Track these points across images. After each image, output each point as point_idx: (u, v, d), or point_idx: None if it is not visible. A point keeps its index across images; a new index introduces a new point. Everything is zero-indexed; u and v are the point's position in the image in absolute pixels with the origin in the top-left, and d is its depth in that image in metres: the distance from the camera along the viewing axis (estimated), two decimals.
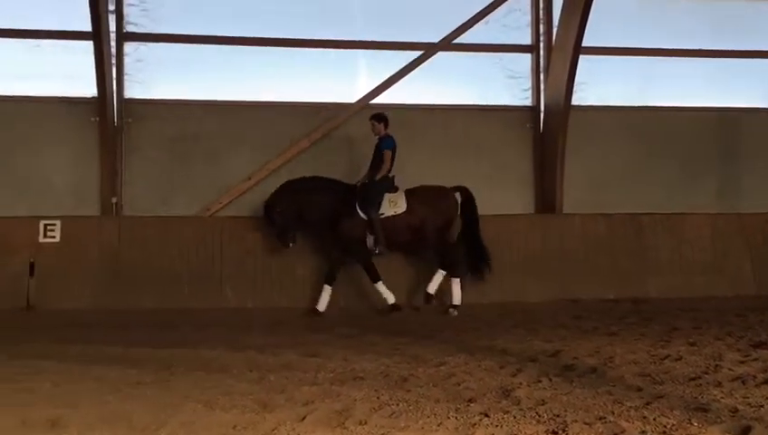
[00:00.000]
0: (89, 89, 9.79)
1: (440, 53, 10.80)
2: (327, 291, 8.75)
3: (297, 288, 9.39)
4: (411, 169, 10.53)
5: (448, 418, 3.86)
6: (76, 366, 5.20)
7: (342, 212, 8.82)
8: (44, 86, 9.94)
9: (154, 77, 10.27)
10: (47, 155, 9.94)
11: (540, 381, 4.69)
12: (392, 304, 8.81)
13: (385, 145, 8.90)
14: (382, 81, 10.65)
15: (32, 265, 9.02)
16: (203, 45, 10.38)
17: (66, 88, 10.00)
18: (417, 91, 10.81)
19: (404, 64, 10.68)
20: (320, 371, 5.07)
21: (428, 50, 10.73)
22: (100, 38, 9.38)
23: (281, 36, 10.52)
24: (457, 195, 9.15)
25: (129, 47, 10.21)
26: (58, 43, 9.97)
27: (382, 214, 8.78)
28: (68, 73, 9.89)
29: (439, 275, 8.82)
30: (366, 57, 10.99)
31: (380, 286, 8.89)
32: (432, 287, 8.82)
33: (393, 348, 6.05)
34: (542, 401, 4.18)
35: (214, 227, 9.66)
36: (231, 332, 7.08)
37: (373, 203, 8.76)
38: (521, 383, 4.63)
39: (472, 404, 4.12)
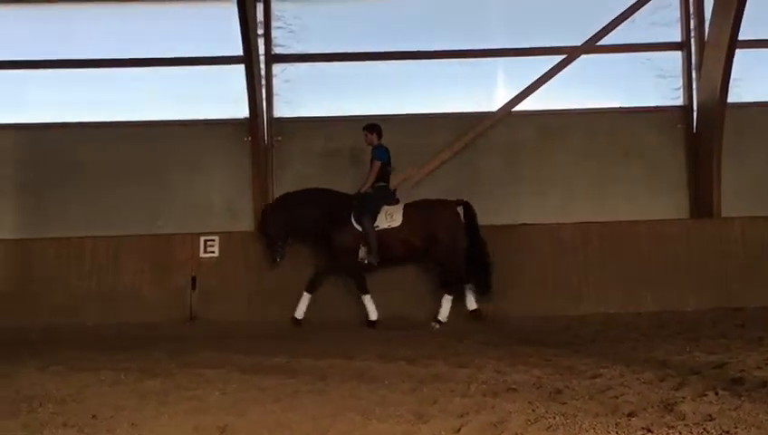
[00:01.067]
0: (241, 110, 10.31)
1: (583, 56, 10.55)
2: (305, 299, 8.83)
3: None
4: (558, 176, 10.35)
5: (608, 433, 3.74)
6: (239, 375, 5.47)
7: (335, 223, 8.78)
8: (201, 109, 10.58)
9: (301, 95, 10.68)
10: (204, 174, 10.53)
11: (705, 395, 4.45)
12: (371, 321, 8.75)
13: (375, 155, 8.88)
14: (523, 88, 10.53)
15: (193, 279, 9.57)
16: (346, 62, 10.69)
17: (220, 110, 10.58)
18: (559, 95, 10.62)
19: (543, 70, 10.51)
20: (471, 382, 5.06)
21: (571, 53, 10.50)
22: (251, 61, 9.85)
23: (421, 49, 10.66)
24: (460, 209, 8.90)
25: (277, 68, 10.66)
26: (212, 69, 10.58)
27: (377, 226, 8.66)
28: (222, 96, 10.49)
29: (468, 292, 8.79)
30: (504, 65, 10.90)
31: (367, 300, 8.84)
32: (469, 304, 8.78)
33: (544, 359, 5.94)
34: (710, 416, 3.97)
35: None
36: (382, 343, 7.20)
37: (368, 214, 8.67)
38: (684, 397, 4.41)
39: (632, 419, 3.97)
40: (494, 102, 10.74)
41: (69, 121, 10.65)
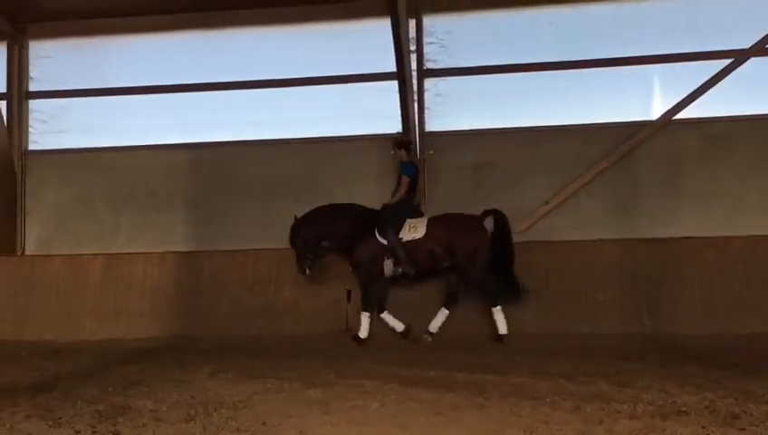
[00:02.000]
0: (394, 125, 10.50)
1: (752, 59, 9.94)
2: (365, 318, 8.69)
3: (599, 312, 9.11)
4: (723, 187, 9.82)
5: None
6: (397, 387, 5.53)
7: (358, 236, 8.73)
8: (355, 125, 10.91)
9: (452, 109, 10.74)
10: (361, 188, 10.65)
11: None
12: (358, 337, 8.62)
13: (403, 170, 8.91)
14: (683, 95, 10.09)
15: (348, 292, 9.79)
16: (498, 75, 10.64)
17: (374, 125, 10.83)
18: (725, 101, 10.05)
19: (703, 75, 10.01)
20: (637, 402, 4.85)
21: (739, 57, 9.91)
22: (404, 77, 10.03)
23: (571, 59, 10.46)
24: (490, 219, 8.67)
25: (428, 83, 10.80)
26: (366, 86, 10.86)
27: (401, 238, 8.59)
28: (375, 112, 10.74)
29: (498, 313, 8.48)
30: (661, 72, 10.47)
31: (364, 317, 8.70)
32: (501, 327, 8.46)
33: (714, 381, 5.60)
34: None
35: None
36: (535, 358, 7.07)
37: (392, 227, 8.63)
38: None
39: None
40: (650, 111, 10.38)
41: (233, 140, 11.31)
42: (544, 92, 10.60)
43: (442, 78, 10.77)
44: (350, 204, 9.23)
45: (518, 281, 8.62)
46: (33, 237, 11.51)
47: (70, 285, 10.15)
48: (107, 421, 4.46)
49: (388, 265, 8.67)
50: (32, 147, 11.62)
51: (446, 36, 10.76)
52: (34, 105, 11.72)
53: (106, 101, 11.65)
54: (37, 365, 7.24)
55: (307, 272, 9.01)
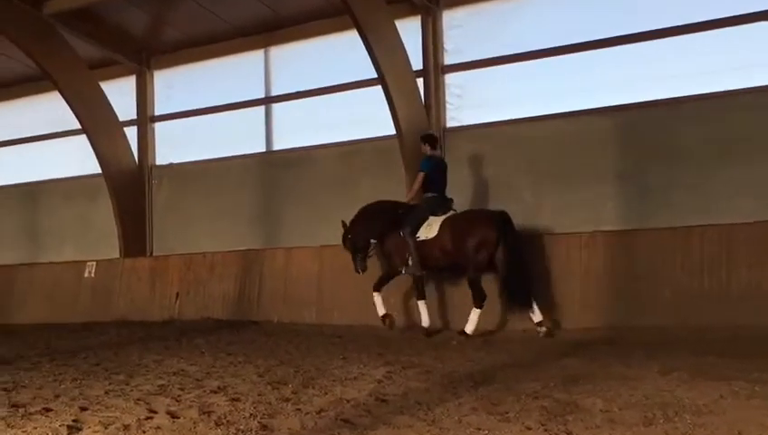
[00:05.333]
0: None
1: None
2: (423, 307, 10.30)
3: None
4: None
5: None
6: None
7: (389, 233, 10.40)
8: None
9: None
10: None
11: None
12: (384, 315, 10.32)
13: (421, 166, 10.36)
14: None
15: None
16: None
17: None
18: None
19: None
20: None
21: None
22: None
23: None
24: (497, 220, 9.69)
25: None
26: None
27: (418, 237, 10.05)
28: None
29: (475, 314, 9.63)
30: None
31: (377, 297, 10.37)
32: (468, 326, 9.65)
33: None
34: None
35: None
36: None
37: (410, 226, 10.14)
38: None
39: None
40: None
41: (662, 98, 11.09)
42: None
43: None
44: (389, 201, 10.71)
45: (527, 284, 9.61)
46: None
47: None
48: (556, 419, 4.73)
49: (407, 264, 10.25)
50: (450, 124, 12.69)
51: None
52: (449, 79, 12.76)
53: (519, 67, 12.25)
54: (471, 355, 7.96)
55: (360, 272, 10.57)
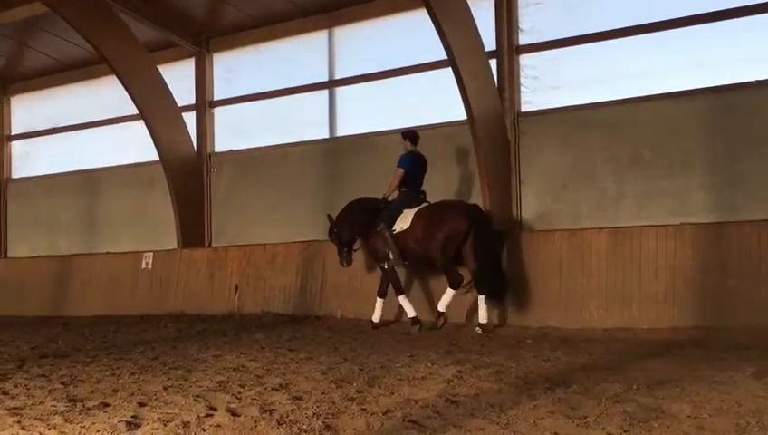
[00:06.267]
0: None
1: None
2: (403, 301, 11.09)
3: None
4: None
5: None
6: None
7: (370, 228, 11.19)
8: None
9: None
10: None
11: None
12: (374, 322, 11.21)
13: (400, 163, 11.16)
14: None
15: None
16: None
17: None
18: None
19: None
20: None
21: None
22: None
23: None
24: (469, 211, 10.57)
25: None
26: None
27: (395, 230, 10.90)
28: None
29: (448, 295, 10.46)
30: None
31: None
32: (441, 305, 10.55)
33: None
34: None
35: None
36: None
37: (386, 220, 11.00)
38: None
39: None
40: None
41: (754, 80, 10.74)
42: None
43: None
44: (370, 198, 11.43)
45: (500, 276, 10.49)
46: (531, 209, 12.42)
47: (572, 264, 10.72)
48: (640, 425, 4.65)
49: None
50: (524, 108, 12.55)
51: None
52: (525, 60, 12.61)
53: (598, 47, 12.02)
54: (546, 355, 7.88)
55: (345, 265, 11.55)
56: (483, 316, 10.31)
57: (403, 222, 10.91)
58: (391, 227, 10.97)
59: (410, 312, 10.96)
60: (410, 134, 11.45)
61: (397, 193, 11.27)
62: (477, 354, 7.95)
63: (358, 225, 11.39)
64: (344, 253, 11.53)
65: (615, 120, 11.70)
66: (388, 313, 11.47)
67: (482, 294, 10.33)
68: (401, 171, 11.11)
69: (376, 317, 11.24)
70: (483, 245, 10.38)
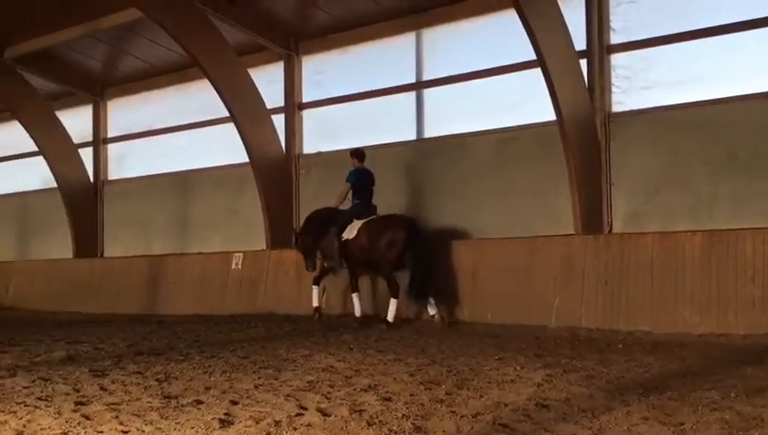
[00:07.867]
0: None
1: None
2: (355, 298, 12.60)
3: None
4: None
5: None
6: None
7: (325, 236, 12.67)
8: None
9: None
10: None
11: None
12: (358, 317, 12.45)
13: (347, 178, 12.63)
14: None
15: None
16: None
17: None
18: None
19: None
20: None
21: None
22: None
23: None
24: (404, 223, 11.82)
25: None
26: None
27: (344, 238, 12.26)
28: None
29: (393, 304, 11.67)
30: None
31: (355, 297, 12.52)
32: (390, 314, 11.67)
33: None
34: None
35: None
36: None
37: (337, 227, 12.43)
38: None
39: None
40: None
41: None
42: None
43: None
44: (327, 208, 12.98)
45: (421, 279, 11.39)
46: (621, 212, 12.20)
47: (665, 267, 10.44)
48: (738, 434, 4.54)
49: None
50: (615, 108, 12.34)
51: None
52: (616, 60, 12.41)
53: (690, 46, 11.77)
54: (639, 360, 7.74)
55: (309, 270, 13.12)
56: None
57: (351, 231, 12.24)
58: (341, 234, 12.36)
59: (357, 311, 12.47)
60: (357, 153, 12.89)
61: (350, 205, 12.63)
62: (567, 358, 7.85)
63: (317, 234, 12.88)
64: (309, 260, 13.10)
65: (708, 121, 11.40)
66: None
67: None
68: (348, 185, 12.62)
69: (357, 313, 12.49)
70: (416, 255, 11.50)
